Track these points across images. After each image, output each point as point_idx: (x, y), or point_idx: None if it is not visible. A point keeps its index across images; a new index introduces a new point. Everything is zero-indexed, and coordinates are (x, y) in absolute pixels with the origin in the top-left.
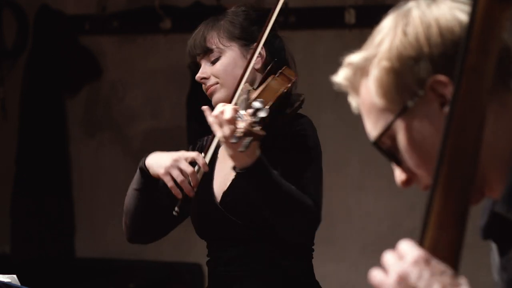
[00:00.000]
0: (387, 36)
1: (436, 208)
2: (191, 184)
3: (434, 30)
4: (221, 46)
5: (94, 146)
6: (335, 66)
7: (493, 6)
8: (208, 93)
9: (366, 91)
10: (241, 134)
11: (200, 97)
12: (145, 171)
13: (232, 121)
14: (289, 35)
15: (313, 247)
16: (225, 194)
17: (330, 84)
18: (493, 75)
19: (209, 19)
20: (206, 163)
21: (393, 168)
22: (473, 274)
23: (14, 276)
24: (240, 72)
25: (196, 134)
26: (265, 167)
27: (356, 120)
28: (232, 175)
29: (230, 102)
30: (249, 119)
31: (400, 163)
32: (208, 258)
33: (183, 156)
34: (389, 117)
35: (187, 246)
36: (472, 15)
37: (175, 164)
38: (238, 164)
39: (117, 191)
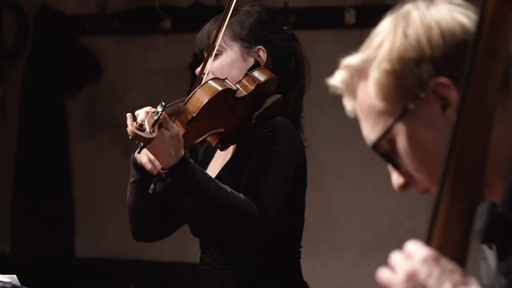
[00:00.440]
0: (387, 38)
1: (443, 209)
2: None
3: (435, 32)
4: (222, 44)
5: (94, 146)
6: (335, 66)
7: (502, 6)
8: None
9: (365, 94)
10: (130, 137)
11: None
12: (135, 163)
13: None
14: None
15: (300, 247)
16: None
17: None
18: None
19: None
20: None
21: (390, 172)
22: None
23: (14, 276)
24: (237, 73)
25: None
26: (186, 168)
27: (356, 121)
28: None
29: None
30: (135, 123)
31: (398, 167)
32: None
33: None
34: (388, 120)
35: (187, 246)
36: (481, 14)
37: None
38: (161, 163)
39: (117, 191)
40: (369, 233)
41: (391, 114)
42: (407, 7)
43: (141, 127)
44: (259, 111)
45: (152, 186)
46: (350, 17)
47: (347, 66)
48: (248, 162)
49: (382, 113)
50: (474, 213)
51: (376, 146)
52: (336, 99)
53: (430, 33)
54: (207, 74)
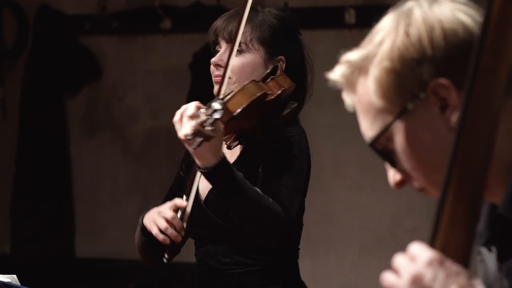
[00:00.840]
0: (389, 36)
1: (447, 209)
2: (176, 229)
3: (438, 32)
4: (250, 45)
5: (94, 146)
6: (335, 66)
7: (508, 6)
8: (214, 80)
9: (364, 90)
10: (192, 132)
11: (200, 97)
12: (143, 228)
13: (193, 117)
14: None
15: (298, 247)
16: (209, 193)
17: (330, 84)
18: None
19: (251, 9)
20: (185, 205)
21: (387, 169)
22: None
23: (14, 276)
24: (255, 78)
25: None
26: (226, 169)
27: (356, 120)
28: None
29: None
30: (202, 117)
31: (395, 164)
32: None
33: (167, 205)
34: (387, 118)
35: (187, 246)
36: (487, 15)
37: (160, 215)
38: (200, 163)
39: (117, 191)
40: (369, 233)
41: (390, 112)
42: (410, 4)
43: (204, 123)
44: (280, 115)
45: (166, 256)
46: (350, 17)
47: (348, 62)
48: (267, 165)
49: (381, 111)
50: (478, 214)
51: (373, 143)
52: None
53: (432, 33)
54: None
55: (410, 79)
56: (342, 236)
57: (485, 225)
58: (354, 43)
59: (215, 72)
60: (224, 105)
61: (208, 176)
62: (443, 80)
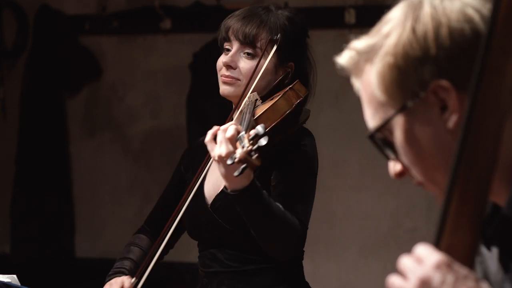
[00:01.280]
0: (395, 30)
1: (453, 210)
2: None
3: (444, 31)
4: (263, 47)
5: (94, 146)
6: (335, 66)
7: None
8: (223, 80)
9: (368, 81)
10: (237, 160)
11: (200, 97)
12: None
13: (232, 141)
14: None
15: (303, 249)
16: (216, 198)
17: (330, 84)
18: None
19: (265, 9)
20: None
21: (388, 160)
22: None
23: (14, 276)
24: (265, 84)
25: (196, 134)
26: (256, 192)
27: (356, 120)
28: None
29: (237, 102)
30: (248, 145)
31: (397, 155)
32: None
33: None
34: (388, 111)
35: (187, 246)
36: (494, 13)
37: None
38: (230, 185)
39: (117, 191)
40: (369, 233)
41: (391, 106)
42: None
43: (250, 152)
44: (297, 124)
45: None
46: (350, 17)
47: (354, 49)
48: (283, 176)
49: (383, 104)
50: (484, 215)
51: (374, 134)
52: (336, 99)
53: (439, 31)
54: (235, 69)
55: (411, 77)
56: (342, 236)
57: (487, 225)
58: None
59: (223, 71)
60: (267, 131)
61: (235, 198)
62: (443, 82)
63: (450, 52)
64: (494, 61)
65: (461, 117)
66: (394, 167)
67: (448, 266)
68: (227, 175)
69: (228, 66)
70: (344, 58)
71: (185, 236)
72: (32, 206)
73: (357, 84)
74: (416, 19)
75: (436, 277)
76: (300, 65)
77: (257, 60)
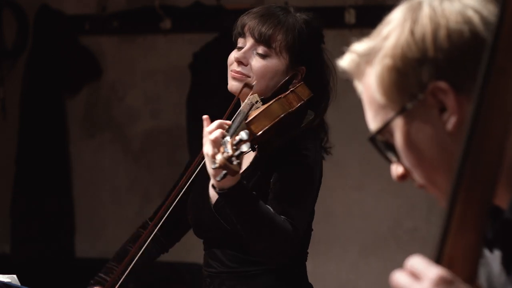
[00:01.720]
0: (394, 31)
1: (458, 213)
2: None
3: (443, 32)
4: (278, 51)
5: (94, 146)
6: (335, 66)
7: None
8: (232, 75)
9: (368, 84)
10: (217, 166)
11: (200, 97)
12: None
13: (216, 144)
14: None
15: (307, 250)
16: (219, 198)
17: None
18: None
19: (283, 10)
20: None
21: (391, 163)
22: None
23: (14, 276)
24: (274, 84)
25: (196, 134)
26: (242, 193)
27: (356, 120)
28: None
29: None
30: (230, 151)
31: (398, 157)
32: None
33: None
34: (388, 113)
35: (187, 246)
36: (501, 14)
37: None
38: (216, 185)
39: (117, 191)
40: (369, 233)
41: (391, 109)
42: None
43: (231, 158)
44: (298, 127)
45: None
46: (350, 17)
47: (355, 52)
48: (280, 179)
49: (383, 107)
50: (488, 217)
51: (374, 137)
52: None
53: (437, 33)
54: (246, 66)
55: (410, 79)
56: (342, 236)
57: (490, 228)
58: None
59: (234, 67)
60: (251, 135)
61: (222, 196)
62: (442, 84)
63: (448, 53)
64: (501, 62)
65: (460, 118)
66: (396, 170)
67: (449, 283)
68: (212, 173)
69: (240, 62)
70: (345, 61)
71: (185, 236)
72: (32, 206)
73: (360, 87)
74: (414, 20)
75: None
76: (312, 70)
77: (269, 60)
